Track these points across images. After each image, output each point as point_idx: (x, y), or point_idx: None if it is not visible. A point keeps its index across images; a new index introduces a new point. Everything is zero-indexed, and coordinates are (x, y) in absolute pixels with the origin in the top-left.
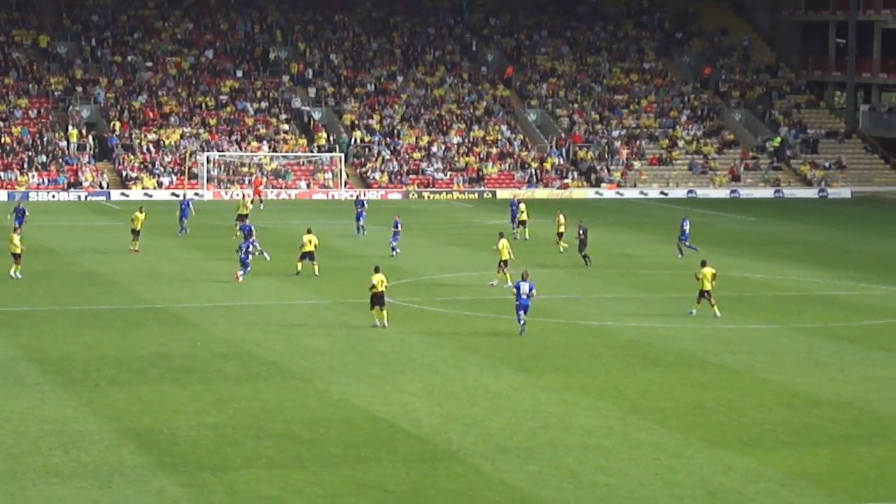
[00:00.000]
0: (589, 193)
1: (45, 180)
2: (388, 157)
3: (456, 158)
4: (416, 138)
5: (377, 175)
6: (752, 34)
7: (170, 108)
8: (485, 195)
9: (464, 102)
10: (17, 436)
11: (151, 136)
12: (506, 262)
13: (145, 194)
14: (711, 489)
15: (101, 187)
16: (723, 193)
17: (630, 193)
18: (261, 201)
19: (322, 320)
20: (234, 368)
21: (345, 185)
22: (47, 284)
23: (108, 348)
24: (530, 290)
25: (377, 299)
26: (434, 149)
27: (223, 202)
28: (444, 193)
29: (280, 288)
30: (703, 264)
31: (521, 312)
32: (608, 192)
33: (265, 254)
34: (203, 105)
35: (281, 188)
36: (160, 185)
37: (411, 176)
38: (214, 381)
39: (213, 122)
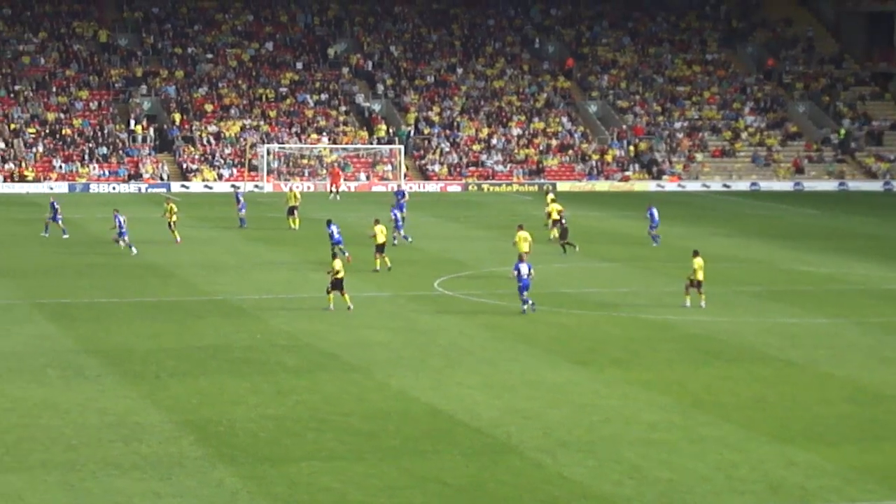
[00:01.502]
0: (650, 186)
1: (106, 172)
2: (447, 149)
3: (516, 150)
4: (476, 130)
5: (436, 167)
6: (817, 25)
7: (230, 100)
8: (544, 187)
9: (524, 94)
10: (77, 427)
11: (211, 128)
12: (526, 254)
13: (205, 186)
14: (774, 484)
15: (161, 179)
16: (786, 186)
17: (692, 186)
18: (337, 192)
19: (381, 312)
20: (294, 360)
21: (404, 177)
22: (107, 276)
23: (169, 340)
24: (529, 270)
25: (337, 284)
26: (494, 141)
27: (282, 194)
28: (504, 186)
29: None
30: (696, 254)
31: (524, 293)
32: (670, 185)
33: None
34: (263, 97)
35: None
36: (220, 177)
37: (471, 168)
38: (274, 373)
39: (272, 114)
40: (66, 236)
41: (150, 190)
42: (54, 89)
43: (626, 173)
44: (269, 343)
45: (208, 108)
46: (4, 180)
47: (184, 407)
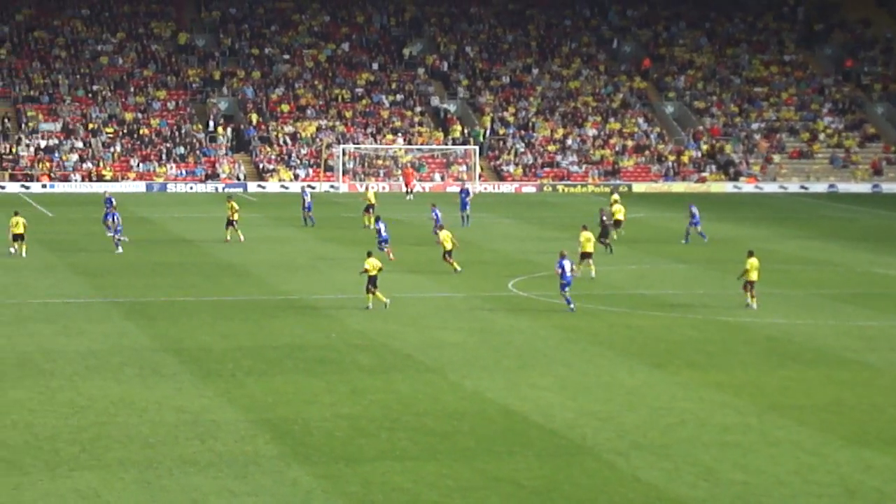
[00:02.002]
0: (727, 187)
1: (183, 172)
2: (522, 149)
3: (591, 151)
4: (551, 131)
5: (511, 168)
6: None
7: (306, 100)
8: (620, 188)
9: (600, 95)
10: (153, 425)
11: (288, 129)
12: (589, 253)
13: (282, 186)
14: (850, 487)
15: (238, 179)
16: (864, 188)
17: (769, 187)
18: (410, 192)
19: (456, 313)
20: (369, 360)
21: (479, 177)
22: (184, 275)
23: (244, 339)
24: (572, 267)
25: (372, 282)
26: (569, 141)
27: (357, 194)
28: (579, 187)
29: (414, 280)
30: (750, 254)
31: (567, 290)
32: (747, 186)
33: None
34: (339, 98)
35: (414, 181)
36: (296, 177)
37: (546, 169)
38: (349, 373)
39: (348, 114)
40: (116, 234)
41: (226, 190)
42: (132, 89)
43: (703, 174)
44: (344, 342)
45: (285, 108)
46: (83, 180)
47: (259, 405)
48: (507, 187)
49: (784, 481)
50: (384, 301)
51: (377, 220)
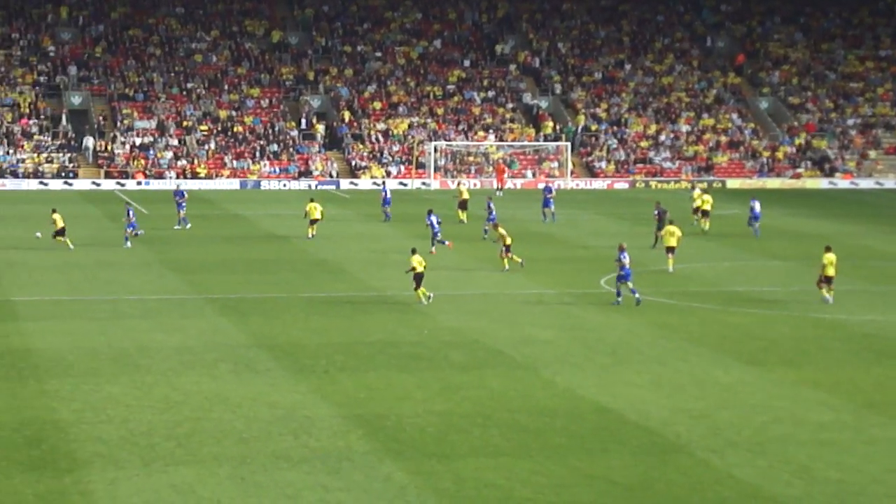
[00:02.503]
0: (822, 184)
1: (277, 169)
2: (614, 146)
3: (685, 147)
4: (644, 127)
5: (603, 164)
6: None
7: (398, 97)
8: (714, 185)
9: (693, 90)
10: (247, 421)
11: (380, 126)
12: (672, 248)
13: (374, 183)
14: None
15: (330, 176)
16: None
17: (865, 184)
18: (501, 188)
19: (547, 310)
20: (461, 357)
21: (571, 174)
22: (277, 272)
23: (337, 335)
24: (629, 259)
25: (418, 279)
26: (662, 137)
27: (449, 191)
28: (672, 183)
29: (506, 277)
30: (828, 249)
31: (628, 282)
32: (842, 183)
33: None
34: (431, 94)
35: (505, 177)
36: (388, 174)
37: (638, 165)
38: (441, 369)
39: (440, 111)
40: (140, 233)
41: (319, 187)
42: (226, 87)
43: (798, 170)
44: (436, 339)
45: (377, 105)
46: (177, 177)
47: (352, 401)
48: (599, 184)
49: (880, 479)
50: (428, 295)
51: (429, 213)
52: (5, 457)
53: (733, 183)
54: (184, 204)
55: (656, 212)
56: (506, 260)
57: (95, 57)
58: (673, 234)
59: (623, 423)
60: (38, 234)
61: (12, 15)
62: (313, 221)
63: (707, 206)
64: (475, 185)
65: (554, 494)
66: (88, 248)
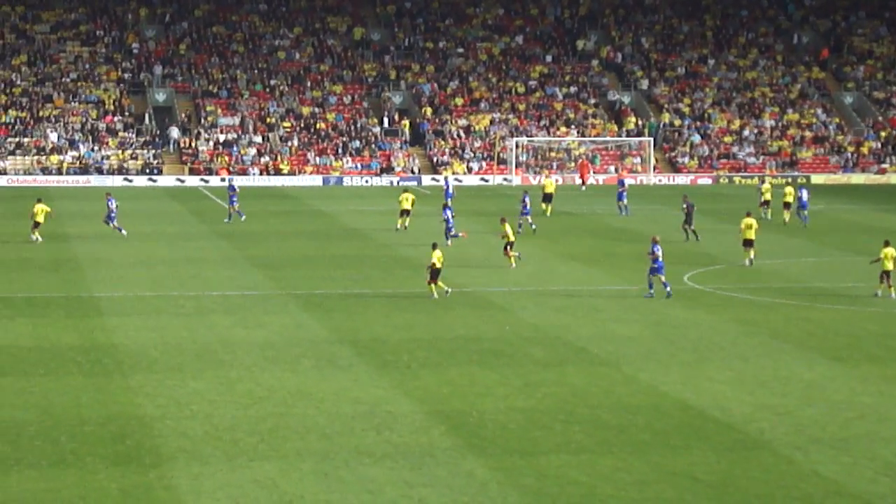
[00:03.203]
0: None
1: (359, 165)
2: (697, 141)
3: (768, 142)
4: (728, 122)
5: (686, 160)
6: None
7: (480, 93)
8: (798, 180)
9: (777, 85)
10: (330, 416)
11: (461, 122)
12: (750, 241)
13: (455, 179)
14: None
15: (412, 172)
16: None
17: None
18: (584, 184)
19: (629, 306)
20: (542, 353)
21: (654, 169)
22: (360, 268)
23: (419, 331)
24: (661, 253)
25: (435, 274)
26: (746, 132)
27: (530, 187)
28: (756, 178)
29: (587, 273)
30: (886, 244)
31: (661, 275)
32: None
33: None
34: (513, 90)
35: (589, 173)
36: (469, 170)
37: (722, 160)
38: (523, 365)
39: (521, 107)
40: (123, 232)
41: (401, 183)
42: (309, 84)
43: (883, 165)
44: (518, 335)
45: (458, 101)
46: (260, 173)
47: (434, 397)
48: (682, 179)
49: None
50: (444, 289)
51: (445, 207)
52: (91, 452)
53: (818, 178)
54: (235, 198)
55: (684, 205)
56: (512, 258)
57: (179, 54)
58: (750, 227)
59: (706, 420)
60: (124, 232)
61: (97, 12)
62: (404, 212)
63: (790, 199)
64: (557, 180)
65: (636, 491)
66: (172, 243)
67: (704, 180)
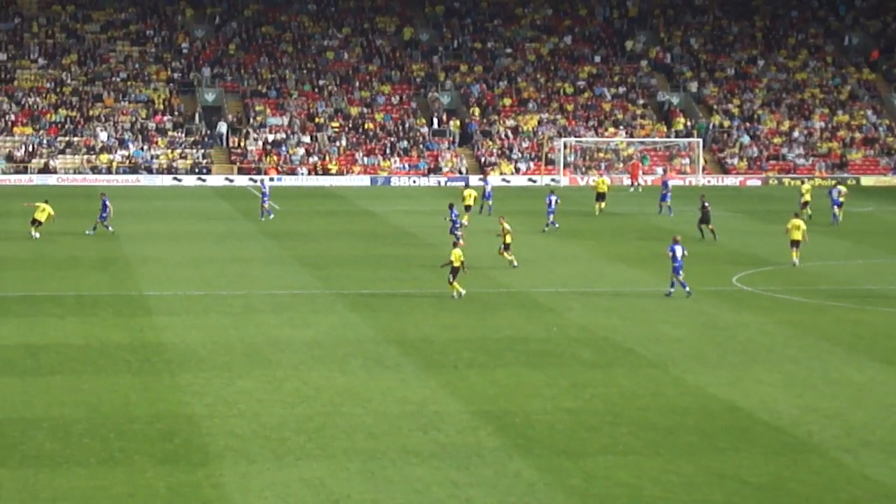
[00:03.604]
0: None
1: (406, 165)
2: (747, 142)
3: (818, 144)
4: (777, 123)
5: (735, 161)
6: None
7: (528, 94)
8: (848, 181)
9: (827, 86)
10: (377, 416)
11: (509, 122)
12: (797, 241)
13: (503, 180)
14: None
15: (460, 172)
16: None
17: None
18: (634, 185)
19: (678, 307)
20: (590, 354)
21: (702, 170)
22: (408, 268)
23: (466, 331)
24: (683, 252)
25: (455, 273)
26: (795, 134)
27: (578, 188)
28: (806, 180)
29: (636, 274)
30: None
31: (680, 274)
32: None
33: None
34: (561, 91)
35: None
36: (517, 170)
37: (771, 162)
38: (570, 366)
39: (570, 107)
40: (111, 230)
41: (449, 183)
42: (357, 84)
43: None
44: (565, 336)
45: (507, 102)
46: (309, 173)
47: (481, 397)
48: (731, 180)
49: None
50: (459, 291)
51: (451, 206)
52: (139, 450)
53: (868, 180)
54: (266, 197)
55: (701, 204)
56: (509, 256)
57: (229, 54)
58: (798, 228)
59: (754, 422)
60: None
61: (147, 12)
62: (467, 208)
63: (842, 198)
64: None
65: (684, 493)
66: (221, 242)
67: (753, 182)
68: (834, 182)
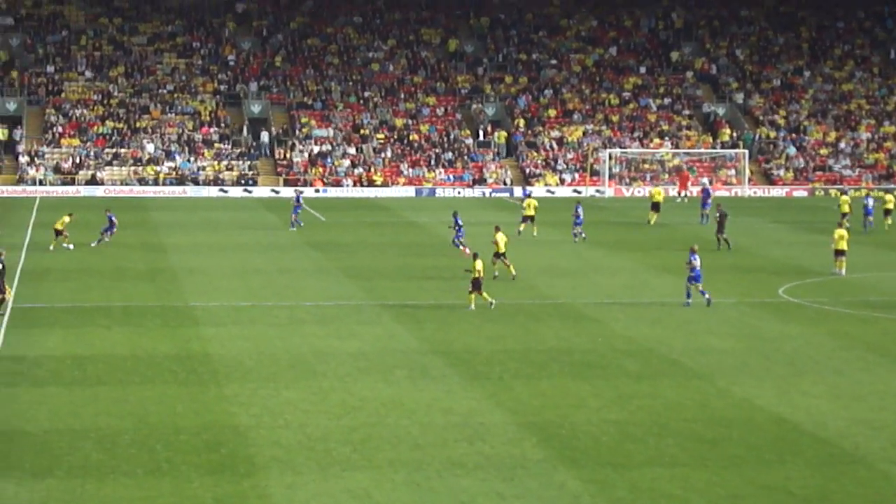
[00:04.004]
0: None
1: (451, 177)
2: (793, 153)
3: (865, 155)
4: (823, 134)
5: (781, 172)
6: None
7: (573, 105)
8: (894, 192)
9: (874, 97)
10: (422, 427)
11: (554, 134)
12: (842, 251)
13: (548, 191)
14: None
15: (504, 184)
16: None
17: None
18: (682, 195)
19: (724, 319)
20: (635, 365)
21: (748, 181)
22: (452, 279)
23: (511, 342)
24: (700, 262)
25: (476, 285)
26: (842, 145)
27: (623, 199)
28: (852, 191)
29: (681, 286)
30: None
31: (699, 283)
32: None
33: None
34: (606, 102)
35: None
36: (562, 181)
37: (817, 173)
38: (615, 378)
39: (615, 118)
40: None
41: (493, 195)
42: (402, 96)
43: None
44: (610, 347)
45: (551, 113)
46: (354, 185)
47: (526, 409)
48: (777, 191)
49: None
50: (470, 303)
51: (455, 214)
52: (185, 461)
53: None
54: (299, 208)
55: (717, 214)
56: (506, 266)
57: (275, 66)
58: (843, 238)
59: (800, 434)
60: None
61: (193, 25)
62: (527, 218)
63: (890, 205)
64: (649, 192)
65: None
66: (267, 254)
67: (800, 193)
68: (866, 192)
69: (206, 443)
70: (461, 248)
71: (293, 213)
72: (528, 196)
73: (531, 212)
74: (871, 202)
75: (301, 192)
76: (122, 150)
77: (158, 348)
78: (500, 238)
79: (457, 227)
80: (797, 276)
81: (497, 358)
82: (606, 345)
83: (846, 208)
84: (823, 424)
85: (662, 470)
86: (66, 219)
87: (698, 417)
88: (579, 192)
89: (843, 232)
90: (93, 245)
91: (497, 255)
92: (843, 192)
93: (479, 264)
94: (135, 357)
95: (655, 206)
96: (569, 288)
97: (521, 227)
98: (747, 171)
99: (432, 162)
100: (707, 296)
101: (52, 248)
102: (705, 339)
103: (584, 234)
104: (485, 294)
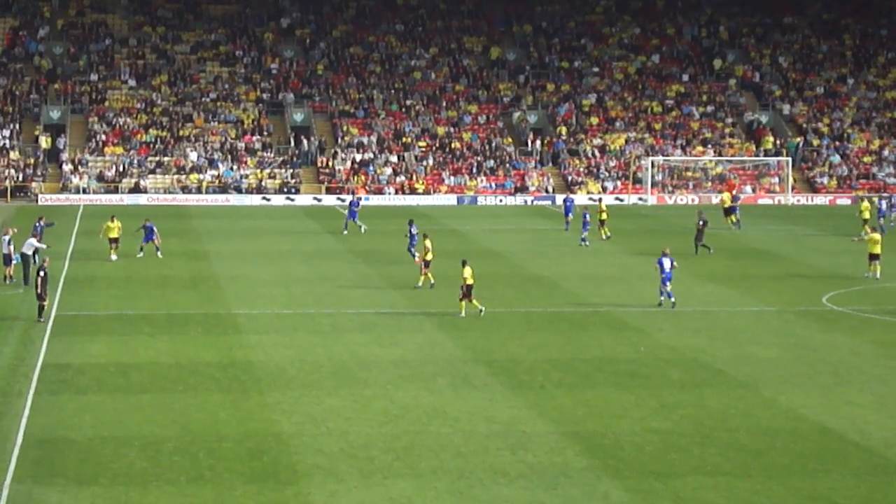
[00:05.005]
0: None
1: (493, 185)
2: (836, 161)
3: None
4: (867, 142)
5: (825, 180)
6: None
7: (615, 112)
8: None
9: None
10: (465, 435)
11: (597, 141)
12: (876, 255)
13: (590, 199)
14: None
15: (546, 192)
16: None
17: None
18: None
19: (768, 328)
20: (679, 374)
21: (791, 189)
22: (494, 287)
23: (554, 351)
24: (672, 264)
25: (466, 292)
26: (886, 153)
27: (666, 207)
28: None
29: (725, 294)
30: None
31: (668, 285)
32: None
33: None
34: (649, 109)
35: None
36: (604, 189)
37: (861, 181)
38: (659, 387)
39: (657, 126)
40: (140, 255)
41: (535, 202)
42: (444, 104)
43: None
44: (654, 356)
45: (594, 120)
46: (396, 192)
47: (569, 418)
48: (820, 199)
49: None
50: (464, 310)
51: (410, 223)
52: (229, 468)
53: None
54: (356, 212)
55: (699, 221)
56: (426, 276)
57: (317, 74)
58: (876, 243)
59: (845, 444)
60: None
61: (236, 33)
62: (602, 222)
63: (867, 214)
64: (693, 200)
65: None
66: (309, 261)
67: (843, 200)
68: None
69: (248, 450)
70: (415, 256)
71: (351, 218)
72: (600, 200)
73: (603, 216)
74: (885, 204)
75: (360, 199)
76: (166, 159)
77: (201, 356)
78: (428, 245)
79: (410, 236)
80: (841, 284)
81: (539, 367)
82: (650, 354)
83: (867, 215)
84: (868, 434)
85: (706, 479)
86: (114, 224)
87: (742, 427)
88: (643, 200)
89: (876, 236)
90: (139, 256)
91: (426, 263)
92: (863, 199)
93: (467, 271)
94: (178, 365)
95: (729, 211)
96: (612, 296)
97: (604, 232)
98: (790, 179)
99: (474, 170)
100: (672, 298)
101: (113, 257)
102: (749, 348)
103: (587, 242)
104: (475, 301)
